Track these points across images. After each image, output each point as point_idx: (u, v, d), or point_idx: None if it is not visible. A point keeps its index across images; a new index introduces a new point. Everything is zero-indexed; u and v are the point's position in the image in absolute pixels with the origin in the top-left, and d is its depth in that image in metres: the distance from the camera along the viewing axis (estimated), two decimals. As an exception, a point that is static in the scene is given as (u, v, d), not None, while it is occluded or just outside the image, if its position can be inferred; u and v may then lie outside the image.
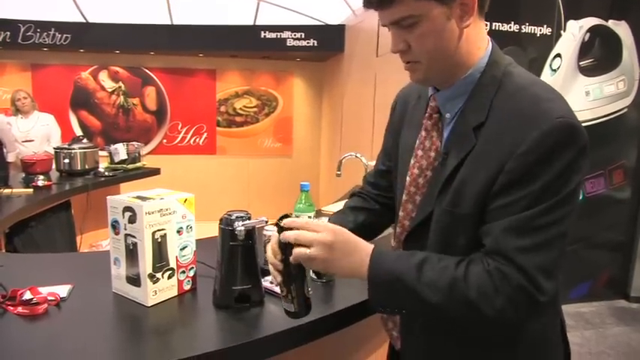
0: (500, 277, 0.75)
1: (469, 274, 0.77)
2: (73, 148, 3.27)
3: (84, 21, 5.45)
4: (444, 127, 0.89)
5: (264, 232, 1.36)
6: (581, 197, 3.33)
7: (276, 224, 0.87)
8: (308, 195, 1.40)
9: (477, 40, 0.84)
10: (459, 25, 0.80)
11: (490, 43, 0.87)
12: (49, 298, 1.10)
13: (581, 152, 0.75)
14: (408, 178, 0.94)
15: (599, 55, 3.23)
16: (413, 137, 0.95)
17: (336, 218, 1.10)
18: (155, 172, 3.88)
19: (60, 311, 1.09)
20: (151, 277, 1.12)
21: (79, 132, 5.80)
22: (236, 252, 1.09)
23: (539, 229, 0.75)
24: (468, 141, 0.81)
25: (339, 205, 2.28)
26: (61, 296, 1.13)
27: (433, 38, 0.80)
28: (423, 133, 0.92)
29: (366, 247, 0.83)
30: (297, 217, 1.33)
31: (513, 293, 0.75)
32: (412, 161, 0.93)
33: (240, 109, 6.28)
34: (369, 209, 1.12)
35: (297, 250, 0.82)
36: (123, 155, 3.65)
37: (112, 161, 3.65)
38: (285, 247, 0.84)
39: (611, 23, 3.20)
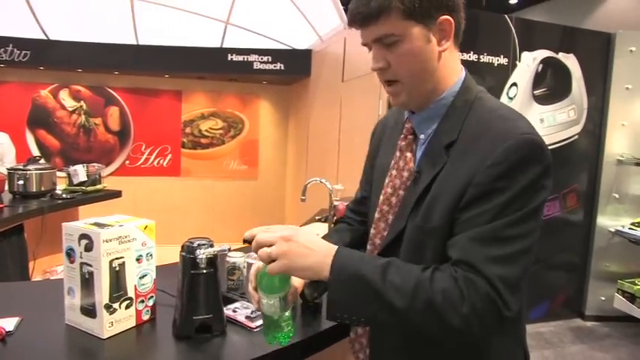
0: (468, 284, 0.74)
1: (435, 278, 0.76)
2: (29, 169, 3.14)
3: (45, 38, 5.31)
4: (417, 148, 0.92)
5: (227, 260, 1.34)
6: (538, 220, 3.48)
7: (244, 241, 0.86)
8: None
9: (452, 67, 0.89)
10: (437, 48, 0.84)
11: (464, 72, 0.92)
12: (-5, 332, 1.03)
13: (545, 171, 0.78)
14: (381, 197, 0.96)
15: (551, 85, 3.42)
16: (388, 159, 0.98)
17: None
18: (116, 194, 3.76)
19: (5, 347, 1.02)
20: (108, 307, 1.07)
21: (36, 152, 5.57)
22: (197, 280, 1.06)
23: (504, 241, 0.76)
24: (440, 159, 0.85)
25: (310, 228, 2.29)
26: (7, 330, 1.06)
27: (413, 58, 0.84)
28: (398, 153, 0.95)
29: (329, 245, 0.82)
30: None
31: (480, 301, 0.73)
32: (386, 180, 0.96)
33: (206, 130, 6.22)
34: (354, 232, 1.13)
35: (260, 251, 0.81)
36: (82, 177, 3.52)
37: (70, 183, 3.51)
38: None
39: (561, 56, 3.41)
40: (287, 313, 0.87)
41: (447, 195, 0.81)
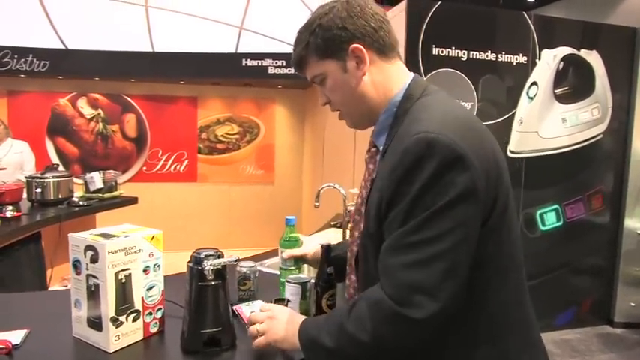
0: (373, 301, 0.79)
1: (353, 309, 0.82)
2: (46, 177, 3.17)
3: (63, 47, 5.41)
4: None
5: (238, 269, 1.30)
6: (561, 222, 3.36)
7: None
8: (293, 229, 1.34)
9: (388, 82, 0.92)
10: (357, 75, 0.90)
11: (409, 80, 0.93)
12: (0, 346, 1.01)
13: (446, 165, 0.75)
14: (354, 208, 1.02)
15: (573, 83, 3.30)
16: None
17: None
18: (132, 201, 3.78)
19: (11, 361, 1.00)
20: (114, 320, 1.04)
21: (55, 160, 5.67)
22: (205, 292, 1.03)
23: (411, 246, 0.76)
24: (376, 168, 0.92)
25: (318, 237, 2.23)
26: (14, 343, 1.04)
27: (339, 90, 0.92)
28: (365, 165, 1.00)
29: (298, 320, 0.93)
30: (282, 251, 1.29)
31: (383, 312, 0.77)
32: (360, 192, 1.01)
33: (222, 136, 6.23)
34: None
35: (251, 327, 0.98)
36: (99, 184, 3.54)
37: (87, 190, 3.54)
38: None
39: (583, 53, 3.29)
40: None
41: (373, 202, 0.86)
